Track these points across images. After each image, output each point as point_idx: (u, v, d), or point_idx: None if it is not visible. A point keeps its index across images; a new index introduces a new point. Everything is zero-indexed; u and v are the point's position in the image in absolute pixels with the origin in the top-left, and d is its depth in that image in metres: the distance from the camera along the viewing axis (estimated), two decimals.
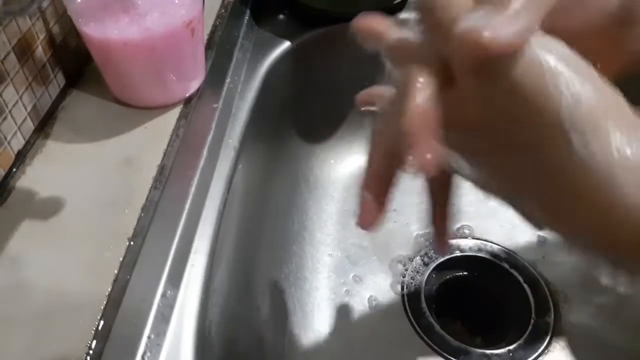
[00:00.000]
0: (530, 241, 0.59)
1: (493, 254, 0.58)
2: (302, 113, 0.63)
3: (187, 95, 0.48)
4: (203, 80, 0.50)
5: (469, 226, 0.60)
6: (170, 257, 0.37)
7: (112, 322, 0.33)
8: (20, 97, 0.42)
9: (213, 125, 0.47)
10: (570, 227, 0.23)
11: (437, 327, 0.52)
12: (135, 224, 0.38)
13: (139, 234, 0.38)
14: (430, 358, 0.50)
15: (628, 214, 0.20)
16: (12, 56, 0.40)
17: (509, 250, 0.58)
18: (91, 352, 0.32)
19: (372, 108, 0.31)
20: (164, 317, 0.34)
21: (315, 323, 0.52)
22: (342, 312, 0.54)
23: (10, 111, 0.40)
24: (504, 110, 0.21)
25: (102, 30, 0.42)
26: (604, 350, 0.50)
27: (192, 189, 0.41)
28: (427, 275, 0.56)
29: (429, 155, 0.21)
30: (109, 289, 0.35)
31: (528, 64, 0.20)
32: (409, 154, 0.21)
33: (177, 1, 0.44)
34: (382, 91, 0.30)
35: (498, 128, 0.22)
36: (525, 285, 0.55)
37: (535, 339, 0.51)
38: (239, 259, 0.46)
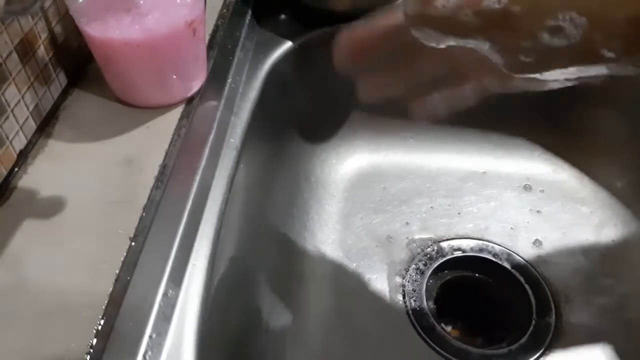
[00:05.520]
0: (532, 241, 0.59)
1: (494, 254, 0.58)
2: (303, 113, 0.63)
3: (189, 95, 0.48)
4: (205, 80, 0.50)
5: (470, 226, 0.60)
6: (171, 256, 0.37)
7: (114, 322, 0.33)
8: (22, 97, 0.42)
9: (214, 125, 0.47)
10: None
11: (438, 327, 0.52)
12: (136, 223, 0.38)
13: (141, 234, 0.38)
14: (431, 358, 0.50)
15: None
16: (14, 56, 0.41)
17: (510, 250, 0.58)
18: (92, 351, 0.32)
19: None
20: (165, 317, 0.34)
21: (316, 323, 0.52)
22: (343, 311, 0.54)
23: (12, 110, 0.41)
24: None
25: (104, 30, 0.43)
26: (605, 351, 0.50)
27: (194, 189, 0.41)
28: (428, 276, 0.56)
29: None
30: (111, 288, 0.35)
31: None
32: None
33: (179, 1, 0.44)
34: None
35: None
36: (526, 286, 0.55)
37: (536, 340, 0.51)
38: (241, 259, 0.46)
